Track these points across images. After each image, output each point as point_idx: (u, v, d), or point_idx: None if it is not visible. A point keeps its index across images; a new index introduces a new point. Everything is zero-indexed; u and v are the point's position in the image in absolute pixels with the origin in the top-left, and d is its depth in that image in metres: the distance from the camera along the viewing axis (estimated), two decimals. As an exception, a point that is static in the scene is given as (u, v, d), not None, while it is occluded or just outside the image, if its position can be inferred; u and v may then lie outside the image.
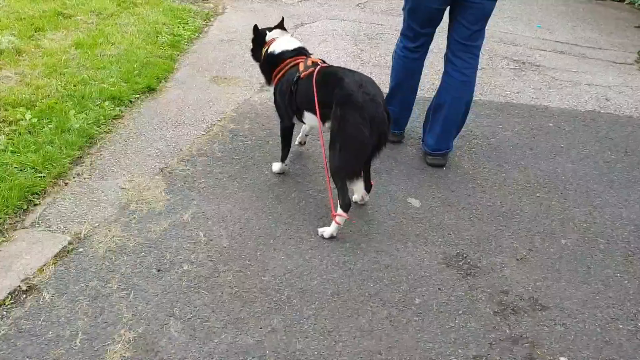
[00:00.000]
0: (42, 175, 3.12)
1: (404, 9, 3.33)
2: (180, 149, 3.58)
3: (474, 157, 3.79)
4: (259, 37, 3.26)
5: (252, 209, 3.07)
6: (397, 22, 6.57)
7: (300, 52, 3.11)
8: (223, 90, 4.45)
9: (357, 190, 2.98)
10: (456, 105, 3.42)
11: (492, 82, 5.03)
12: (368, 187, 3.06)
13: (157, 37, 5.24)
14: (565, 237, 3.09)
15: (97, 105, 3.89)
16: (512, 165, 3.75)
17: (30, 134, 3.44)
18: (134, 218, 2.94)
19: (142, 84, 4.28)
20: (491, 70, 5.28)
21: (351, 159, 2.69)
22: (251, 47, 3.38)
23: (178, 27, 5.65)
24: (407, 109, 3.72)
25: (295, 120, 3.12)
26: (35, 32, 4.87)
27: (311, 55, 3.11)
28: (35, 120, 3.55)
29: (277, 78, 3.08)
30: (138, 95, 4.18)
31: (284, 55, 3.08)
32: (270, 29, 3.29)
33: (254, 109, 4.18)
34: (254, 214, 3.04)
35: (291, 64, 3.01)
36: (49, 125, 3.54)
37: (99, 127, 3.69)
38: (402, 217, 3.13)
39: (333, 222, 2.82)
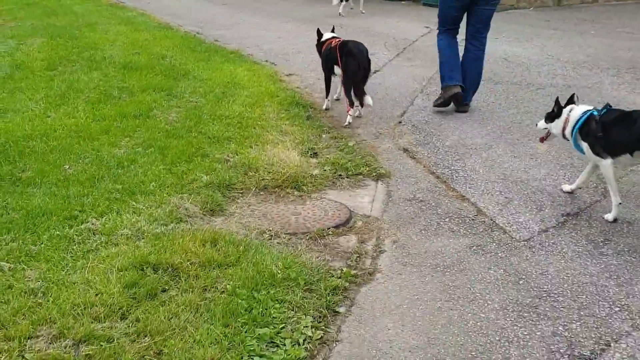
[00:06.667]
0: None
1: (438, 16, 5.08)
2: None
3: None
4: (319, 36, 5.21)
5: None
6: None
7: (334, 37, 5.06)
8: None
9: (368, 100, 4.65)
10: (471, 71, 4.98)
11: None
12: (361, 104, 4.79)
13: None
14: None
15: None
16: None
17: None
18: None
19: None
20: None
21: (349, 80, 4.68)
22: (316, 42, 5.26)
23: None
24: (456, 71, 4.94)
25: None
26: None
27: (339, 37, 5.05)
28: None
29: (324, 49, 5.02)
30: None
31: (326, 39, 5.08)
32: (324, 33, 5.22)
33: None
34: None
35: (328, 42, 4.97)
36: None
37: None
38: None
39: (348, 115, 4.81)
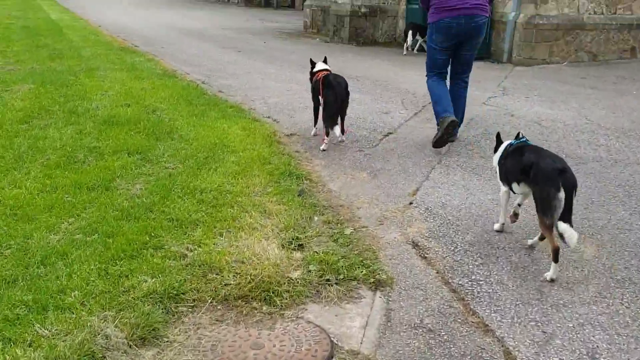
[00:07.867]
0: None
1: (427, 63, 5.47)
2: None
3: None
4: (312, 65, 5.46)
5: None
6: None
7: (324, 69, 5.29)
8: None
9: (336, 131, 5.03)
10: (456, 108, 5.19)
11: None
12: (342, 131, 5.19)
13: None
14: None
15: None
16: None
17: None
18: None
19: None
20: None
21: (328, 112, 4.98)
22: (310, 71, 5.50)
23: None
24: (449, 106, 5.10)
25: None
26: None
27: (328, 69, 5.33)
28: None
29: (313, 80, 5.34)
30: None
31: (317, 71, 5.33)
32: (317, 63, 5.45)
33: None
34: None
35: (317, 74, 5.26)
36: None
37: None
38: None
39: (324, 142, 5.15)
